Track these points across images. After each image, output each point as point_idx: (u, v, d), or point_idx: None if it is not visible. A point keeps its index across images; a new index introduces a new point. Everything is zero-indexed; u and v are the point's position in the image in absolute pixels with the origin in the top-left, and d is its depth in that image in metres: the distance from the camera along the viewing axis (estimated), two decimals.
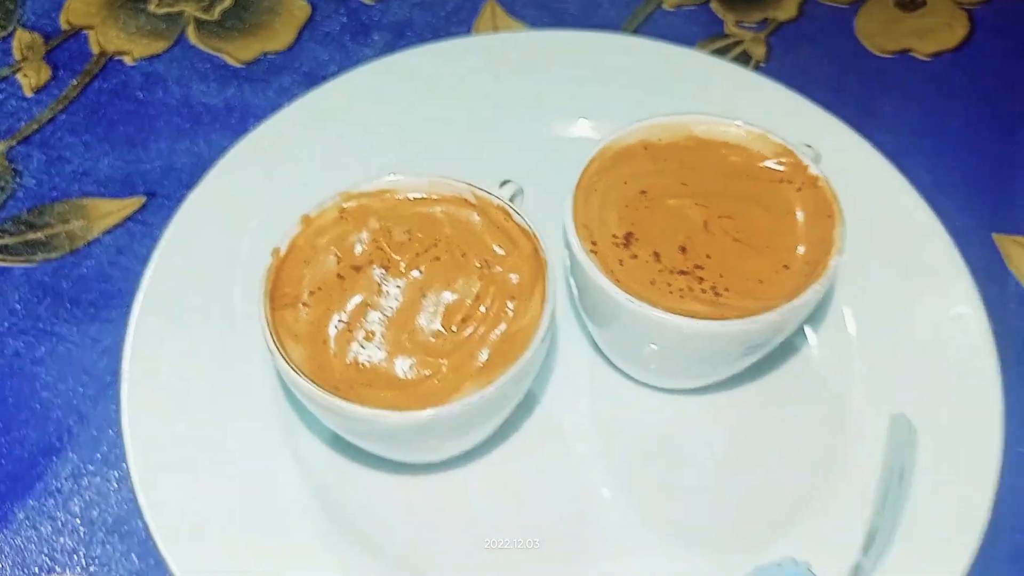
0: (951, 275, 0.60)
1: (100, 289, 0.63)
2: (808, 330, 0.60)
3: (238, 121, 0.73)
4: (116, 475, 0.55)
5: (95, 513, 0.54)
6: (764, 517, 0.53)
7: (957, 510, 0.52)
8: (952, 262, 0.61)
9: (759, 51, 0.78)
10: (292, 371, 0.45)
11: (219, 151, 0.67)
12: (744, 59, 0.77)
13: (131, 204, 0.68)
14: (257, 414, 0.55)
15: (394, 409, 0.44)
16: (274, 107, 0.70)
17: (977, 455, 0.53)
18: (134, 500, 0.52)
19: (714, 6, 0.82)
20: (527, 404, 0.56)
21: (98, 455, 0.56)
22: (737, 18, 0.81)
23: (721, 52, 0.77)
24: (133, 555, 0.53)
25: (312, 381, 0.45)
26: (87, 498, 0.54)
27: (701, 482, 0.55)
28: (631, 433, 0.57)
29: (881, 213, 0.63)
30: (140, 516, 0.51)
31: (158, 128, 0.73)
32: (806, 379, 0.59)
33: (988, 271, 0.65)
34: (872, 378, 0.58)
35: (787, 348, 0.59)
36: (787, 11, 0.81)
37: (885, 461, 0.54)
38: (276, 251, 0.50)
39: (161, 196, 0.68)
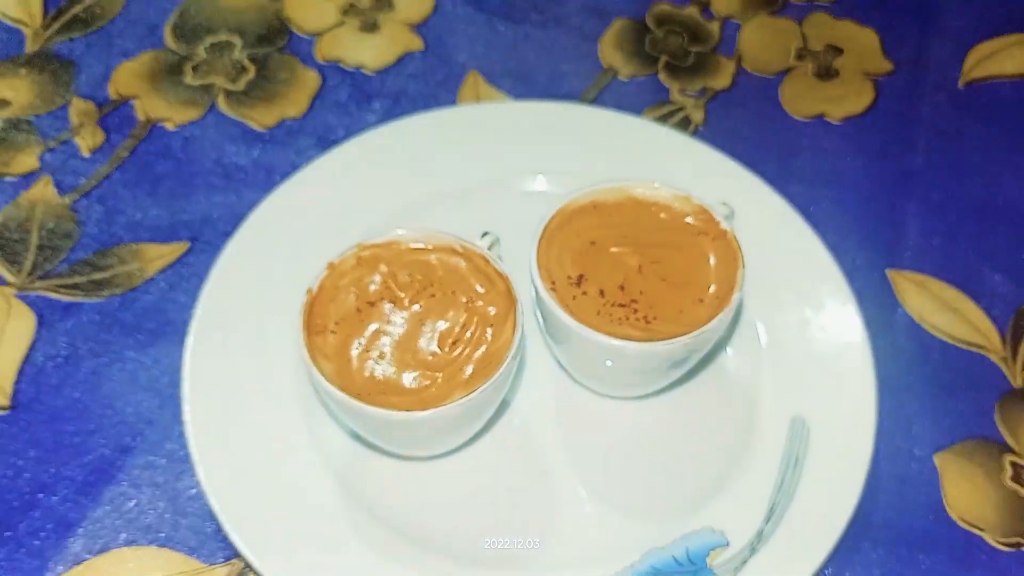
0: (841, 303, 0.69)
1: (157, 319, 0.71)
2: (728, 347, 0.69)
3: (264, 178, 0.79)
4: (181, 468, 0.63)
5: (165, 498, 0.62)
6: (690, 496, 0.62)
7: (838, 488, 0.61)
8: (842, 292, 0.70)
9: (698, 115, 0.86)
10: (326, 382, 0.58)
11: (249, 204, 0.74)
12: (685, 122, 0.85)
13: (178, 248, 0.75)
14: (292, 416, 0.64)
15: (403, 410, 0.57)
16: (294, 166, 0.77)
17: (854, 447, 0.62)
18: (197, 486, 0.61)
19: (662, 76, 0.91)
20: (503, 410, 0.65)
21: (165, 451, 0.64)
22: (681, 86, 0.88)
23: (666, 117, 0.86)
24: (196, 530, 0.61)
25: (341, 390, 0.58)
26: (160, 485, 0.63)
27: (642, 470, 0.64)
28: (585, 432, 0.66)
29: (787, 253, 0.72)
30: (203, 499, 0.59)
31: (197, 184, 0.79)
32: (725, 386, 0.67)
33: (880, 301, 0.74)
34: (777, 385, 0.67)
35: (710, 361, 0.67)
36: (722, 80, 0.90)
37: (784, 452, 0.63)
38: (309, 291, 0.63)
39: (202, 242, 0.75)
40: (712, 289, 0.62)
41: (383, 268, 0.61)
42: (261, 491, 0.60)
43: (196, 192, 0.79)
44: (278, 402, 0.64)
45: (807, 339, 0.68)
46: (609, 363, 0.61)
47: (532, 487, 0.62)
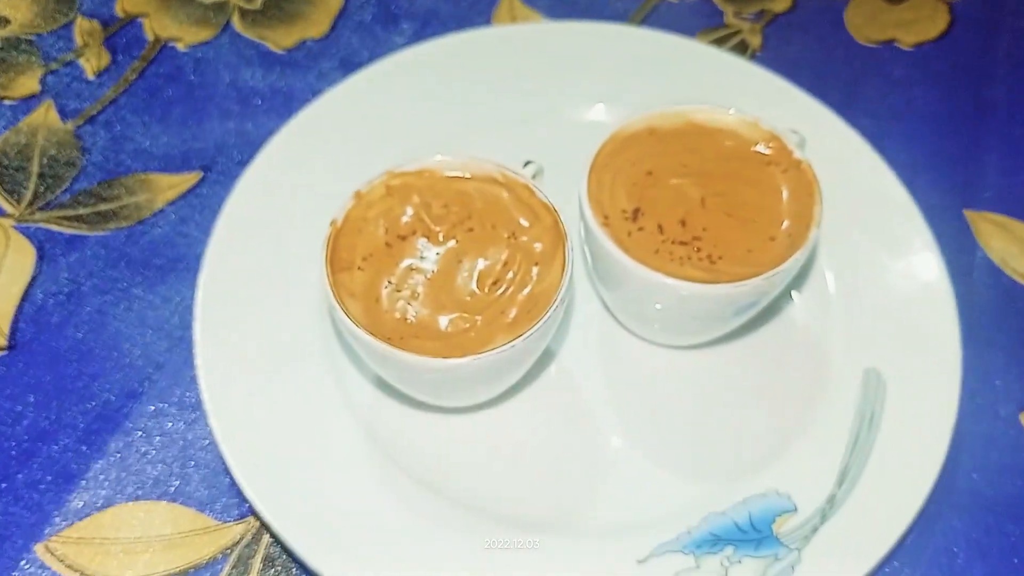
0: (920, 246, 0.64)
1: (167, 254, 0.67)
2: (794, 293, 0.65)
3: (282, 103, 0.76)
4: (192, 416, 0.60)
5: (175, 448, 0.58)
6: (753, 455, 0.57)
7: (919, 450, 0.56)
8: (922, 234, 0.66)
9: (755, 41, 0.81)
10: (352, 324, 0.52)
11: (266, 131, 0.70)
12: (741, 48, 0.81)
13: (189, 179, 0.71)
14: (313, 361, 0.59)
15: (437, 357, 0.51)
16: (314, 91, 0.74)
17: (937, 405, 0.57)
18: (210, 436, 0.57)
19: None
20: (545, 358, 0.60)
21: (175, 398, 0.60)
22: (736, 9, 0.84)
23: (720, 42, 0.81)
24: (209, 484, 0.57)
25: (369, 333, 0.52)
26: (169, 435, 0.59)
27: (699, 426, 0.59)
28: (636, 384, 0.61)
29: (860, 190, 0.66)
30: (216, 450, 0.56)
31: (210, 110, 0.76)
32: (791, 336, 0.63)
33: (958, 243, 0.69)
34: (849, 336, 0.62)
35: (775, 309, 0.63)
36: (782, 3, 0.85)
37: (857, 408, 0.58)
38: (334, 222, 0.57)
39: (216, 172, 0.72)
40: (785, 225, 0.56)
41: (415, 199, 0.57)
42: (279, 443, 0.55)
43: (209, 119, 0.75)
44: (298, 346, 0.60)
45: (882, 285, 0.63)
46: (667, 307, 0.56)
47: (577, 444, 0.58)
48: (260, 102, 0.77)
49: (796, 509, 0.54)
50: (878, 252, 0.65)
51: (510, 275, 0.54)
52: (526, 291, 0.54)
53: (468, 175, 0.57)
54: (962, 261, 0.68)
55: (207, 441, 0.59)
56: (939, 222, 0.67)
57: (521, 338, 0.51)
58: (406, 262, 0.55)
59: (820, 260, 0.66)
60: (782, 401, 0.60)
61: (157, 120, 0.75)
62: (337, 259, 0.54)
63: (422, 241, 0.56)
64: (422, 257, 0.55)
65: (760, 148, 0.59)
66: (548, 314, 0.52)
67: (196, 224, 0.69)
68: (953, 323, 0.61)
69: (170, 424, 0.60)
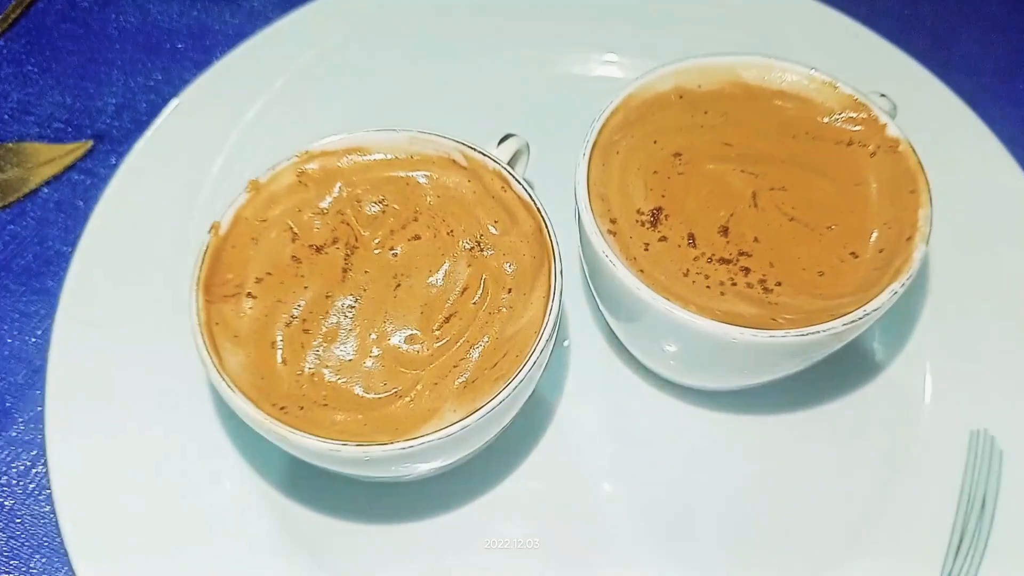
0: None
1: (34, 252, 0.56)
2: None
3: (203, 50, 0.66)
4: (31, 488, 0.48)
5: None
6: (814, 558, 0.46)
7: None
8: None
9: None
10: (226, 386, 0.36)
11: (181, 85, 0.61)
12: None
13: (76, 150, 0.61)
14: (198, 422, 0.48)
15: (351, 441, 0.35)
16: (242, 33, 0.64)
17: None
18: (55, 523, 0.46)
19: None
20: (529, 403, 0.47)
21: (17, 467, 0.49)
22: None
23: None
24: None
25: (250, 400, 0.36)
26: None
27: (744, 517, 0.47)
28: (654, 444, 0.50)
29: (968, 178, 0.55)
30: (59, 536, 0.45)
31: (110, 58, 0.65)
32: (865, 380, 0.51)
33: None
34: (947, 384, 0.50)
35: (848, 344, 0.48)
36: None
37: (963, 485, 0.47)
38: (215, 227, 0.41)
39: (111, 140, 0.61)
40: (874, 236, 0.43)
41: (338, 191, 0.44)
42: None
43: (109, 69, 0.65)
44: (181, 400, 0.48)
45: (998, 316, 0.51)
46: (699, 354, 0.43)
47: (574, 531, 0.47)
48: (174, 48, 0.66)
49: None
50: (994, 265, 0.53)
51: (471, 305, 0.41)
52: (493, 333, 0.40)
53: (416, 157, 0.44)
54: None
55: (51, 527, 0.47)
56: None
57: (478, 415, 0.35)
58: (319, 286, 0.42)
59: None
60: (851, 476, 0.48)
61: (42, 71, 0.65)
62: (217, 282, 0.41)
63: (345, 254, 0.42)
64: (343, 278, 0.42)
65: (838, 120, 0.46)
66: (522, 376, 0.37)
67: (76, 211, 0.58)
68: None
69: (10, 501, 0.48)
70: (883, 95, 0.47)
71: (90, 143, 0.61)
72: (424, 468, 0.40)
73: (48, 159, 0.60)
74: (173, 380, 0.49)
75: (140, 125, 0.61)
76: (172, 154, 0.57)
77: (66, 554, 0.44)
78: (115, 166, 0.57)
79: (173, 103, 0.59)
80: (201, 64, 0.62)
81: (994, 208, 0.54)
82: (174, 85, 0.62)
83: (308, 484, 0.47)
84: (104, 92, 0.63)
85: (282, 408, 0.37)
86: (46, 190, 0.58)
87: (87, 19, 0.67)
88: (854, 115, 0.46)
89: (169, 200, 0.54)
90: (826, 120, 0.46)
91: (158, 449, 0.47)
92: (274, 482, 0.47)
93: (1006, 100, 0.63)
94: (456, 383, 0.38)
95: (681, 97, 0.47)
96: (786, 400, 0.50)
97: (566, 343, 0.51)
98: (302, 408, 0.37)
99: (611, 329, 0.51)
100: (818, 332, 0.38)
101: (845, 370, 0.51)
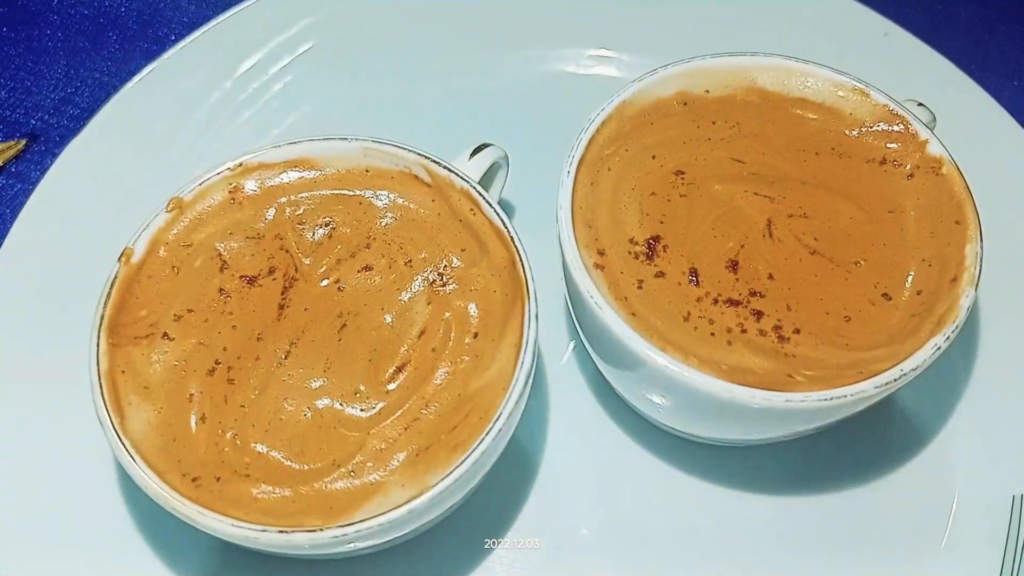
0: None
1: None
2: None
3: (150, 37, 0.62)
4: None
5: None
6: None
7: None
8: None
9: None
10: (124, 451, 0.30)
11: (128, 77, 0.56)
12: None
13: (6, 150, 0.57)
14: (106, 488, 0.41)
15: (273, 526, 0.29)
16: (194, 22, 0.61)
17: None
18: None
19: None
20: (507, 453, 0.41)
21: None
22: None
23: None
24: None
25: (154, 470, 0.30)
26: None
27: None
28: (650, 506, 0.44)
29: (1012, 207, 0.48)
30: None
31: (51, 46, 0.62)
32: (893, 436, 0.45)
33: None
34: (986, 442, 0.45)
35: None
36: None
37: (1005, 558, 0.42)
38: (127, 254, 0.35)
39: (48, 140, 0.57)
40: (910, 280, 0.37)
41: (277, 211, 0.38)
42: None
43: (51, 60, 0.61)
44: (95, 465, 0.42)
45: None
46: (700, 412, 0.37)
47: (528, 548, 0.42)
48: (120, 35, 0.62)
49: None
50: None
51: (430, 352, 0.35)
52: (454, 390, 0.34)
53: (369, 170, 0.39)
54: None
55: None
56: None
57: (428, 495, 0.30)
58: (249, 326, 0.36)
59: None
60: (877, 544, 0.43)
61: None
62: (126, 321, 0.35)
63: (282, 286, 0.36)
64: (279, 317, 0.36)
65: (870, 133, 0.41)
66: (483, 445, 0.31)
67: (0, 221, 0.54)
68: None
69: None
70: (921, 104, 0.41)
71: (23, 142, 0.58)
72: (366, 550, 0.34)
73: None
74: (85, 433, 0.39)
75: (81, 123, 0.56)
76: (108, 157, 0.51)
77: None
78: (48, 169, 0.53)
79: (115, 96, 0.54)
80: (152, 54, 0.58)
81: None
82: (121, 77, 0.58)
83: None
84: (43, 86, 0.60)
85: (194, 480, 0.31)
86: None
87: (27, 4, 0.63)
88: (889, 128, 0.41)
89: (97, 214, 0.49)
90: (855, 134, 0.42)
91: (61, 511, 0.40)
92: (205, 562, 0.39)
93: None
94: (406, 451, 0.32)
95: (685, 104, 0.42)
96: (798, 454, 0.44)
97: (563, 361, 0.46)
98: (218, 479, 0.31)
99: (603, 371, 0.43)
100: (844, 396, 0.33)
101: (870, 426, 0.44)
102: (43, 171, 0.53)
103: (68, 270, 0.48)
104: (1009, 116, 0.54)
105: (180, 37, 0.58)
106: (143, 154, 0.52)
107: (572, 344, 0.49)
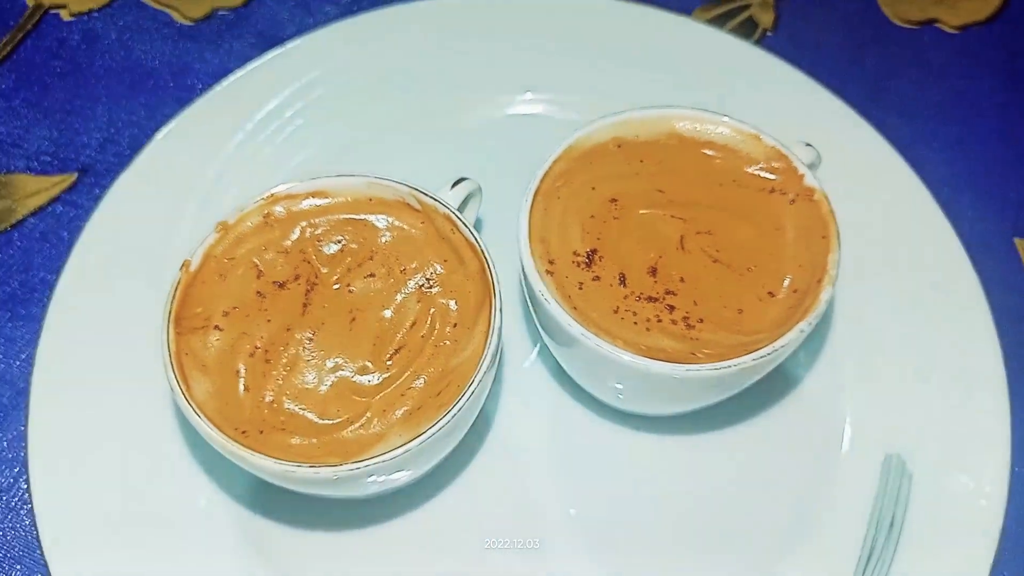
0: (965, 302, 0.53)
1: (19, 280, 0.58)
2: (800, 353, 0.54)
3: (184, 87, 0.67)
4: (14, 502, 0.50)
5: None
6: (733, 568, 0.47)
7: (956, 566, 0.46)
8: (966, 279, 0.53)
9: (767, 18, 0.70)
10: (194, 411, 0.39)
11: (162, 120, 0.62)
12: (750, 27, 0.69)
13: (62, 182, 0.62)
14: (171, 444, 0.49)
15: (304, 463, 0.38)
16: (221, 72, 0.65)
17: (979, 505, 0.48)
18: (35, 536, 0.47)
19: None
20: (480, 428, 0.50)
21: (1, 481, 0.51)
22: None
23: (723, 19, 0.70)
24: None
25: (214, 424, 0.39)
26: None
27: (676, 525, 0.49)
28: (597, 465, 0.50)
29: (888, 220, 0.56)
30: (39, 549, 0.46)
31: (97, 94, 0.66)
32: (790, 405, 0.52)
33: (1006, 282, 0.58)
34: (864, 411, 0.51)
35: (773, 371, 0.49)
36: None
37: (874, 507, 0.48)
38: (186, 264, 0.44)
39: (95, 173, 0.62)
40: (787, 281, 0.45)
41: (300, 231, 0.46)
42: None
43: (95, 104, 0.66)
44: (160, 420, 0.50)
45: (909, 344, 0.52)
46: (629, 385, 0.45)
47: (521, 547, 0.47)
48: (155, 84, 0.67)
49: None
50: (908, 302, 0.54)
51: (419, 339, 0.44)
52: (438, 365, 0.43)
53: (372, 199, 0.47)
54: (1012, 301, 0.57)
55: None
56: (984, 253, 0.57)
57: (419, 440, 0.38)
58: (281, 319, 0.44)
59: (835, 310, 0.54)
60: (774, 493, 0.49)
61: (30, 105, 0.66)
62: (188, 315, 0.43)
63: (305, 290, 0.45)
64: (303, 312, 0.45)
65: (760, 169, 0.49)
66: (460, 404, 0.40)
67: (61, 241, 0.59)
68: (1003, 401, 0.50)
69: None
70: (808, 144, 0.49)
71: (75, 176, 0.62)
72: (375, 488, 0.43)
73: (34, 191, 0.61)
74: (148, 404, 0.50)
75: (123, 159, 0.61)
76: (152, 188, 0.57)
77: (46, 566, 0.46)
78: (98, 198, 0.58)
79: (156, 138, 0.60)
80: (183, 100, 0.63)
81: (912, 248, 0.55)
82: (156, 120, 0.63)
83: (278, 501, 0.48)
84: (89, 127, 0.64)
85: (243, 432, 0.40)
86: (32, 220, 0.59)
87: (74, 56, 0.68)
88: (776, 165, 0.48)
89: (148, 232, 0.55)
90: (750, 169, 0.48)
91: (133, 468, 0.48)
92: (244, 501, 0.48)
93: (937, 140, 0.63)
94: (403, 410, 0.41)
95: (619, 147, 0.49)
96: (718, 423, 0.51)
97: (526, 364, 0.53)
98: (261, 432, 0.40)
99: (556, 356, 0.51)
100: (730, 367, 0.41)
101: (775, 397, 0.52)
102: (93, 199, 0.59)
103: (131, 275, 0.54)
104: (889, 145, 0.59)
105: (207, 86, 0.63)
106: (181, 184, 0.58)
107: (537, 347, 0.53)
